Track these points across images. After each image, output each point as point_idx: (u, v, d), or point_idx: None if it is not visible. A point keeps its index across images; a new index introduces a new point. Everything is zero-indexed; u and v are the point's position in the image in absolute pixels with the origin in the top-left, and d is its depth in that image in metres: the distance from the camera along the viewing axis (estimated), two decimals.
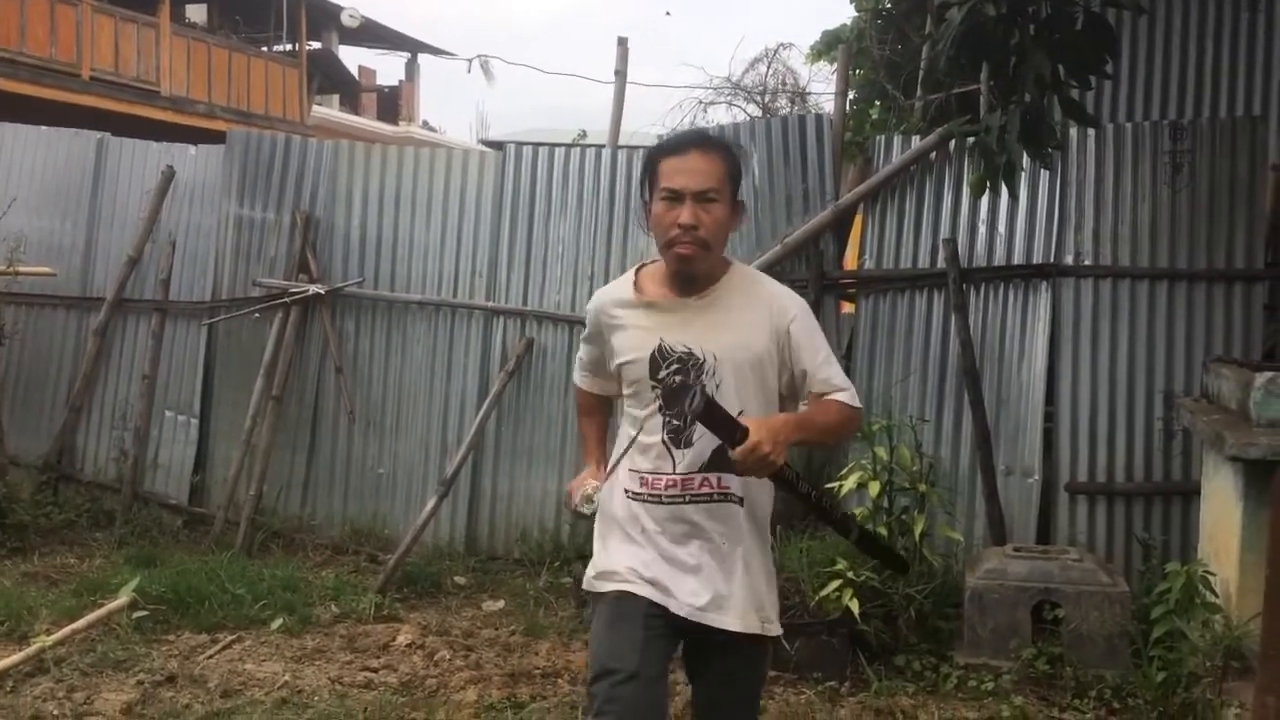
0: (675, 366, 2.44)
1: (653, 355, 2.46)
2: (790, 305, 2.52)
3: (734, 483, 2.45)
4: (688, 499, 2.45)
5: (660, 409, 2.46)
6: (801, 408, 2.55)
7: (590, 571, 2.58)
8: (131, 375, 6.68)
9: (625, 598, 2.44)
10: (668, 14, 18.38)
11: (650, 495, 2.47)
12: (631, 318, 2.51)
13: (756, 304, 2.49)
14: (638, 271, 2.59)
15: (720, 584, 2.46)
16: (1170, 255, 5.27)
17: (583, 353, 2.75)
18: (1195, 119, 5.78)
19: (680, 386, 2.41)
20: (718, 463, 2.41)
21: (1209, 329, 5.21)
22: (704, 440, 2.40)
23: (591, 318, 2.64)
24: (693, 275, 2.46)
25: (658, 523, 2.47)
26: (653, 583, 2.44)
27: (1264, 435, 3.83)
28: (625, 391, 2.57)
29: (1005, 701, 4.08)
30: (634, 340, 2.51)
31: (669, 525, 2.46)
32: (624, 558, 2.48)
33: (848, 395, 2.51)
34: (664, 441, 2.45)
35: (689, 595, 2.44)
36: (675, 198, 2.40)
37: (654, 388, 2.46)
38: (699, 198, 2.39)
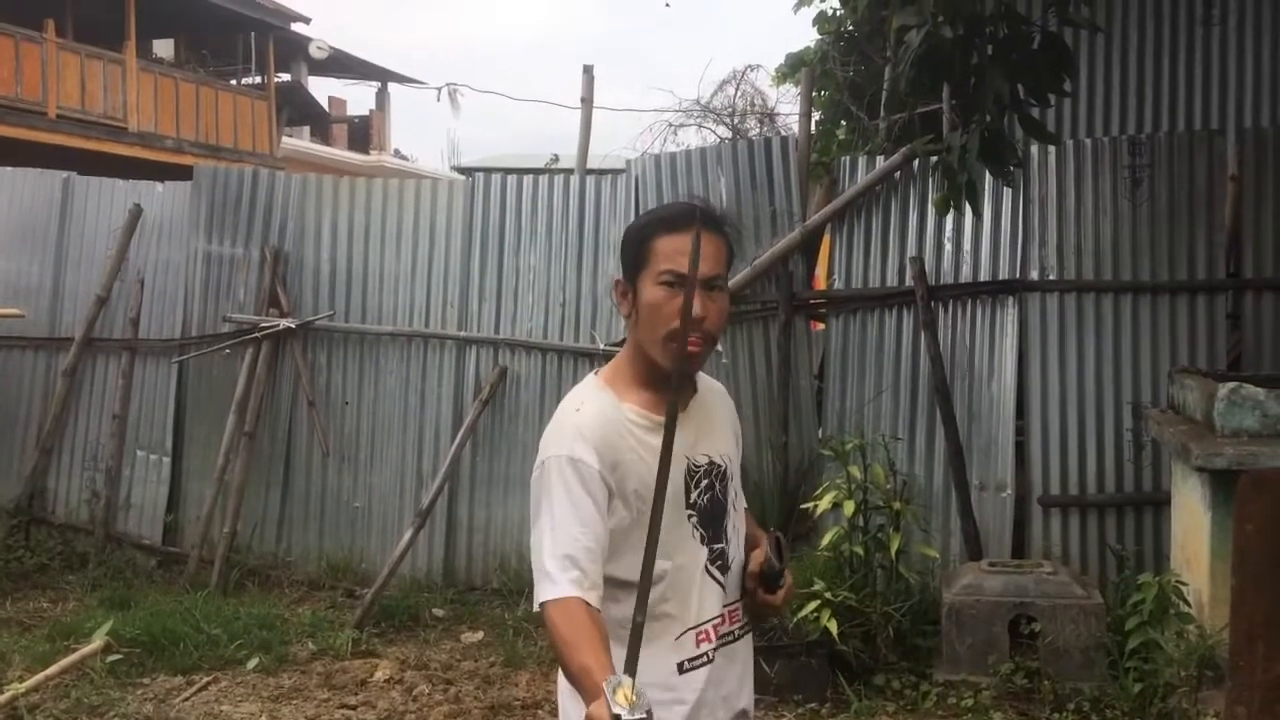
0: (705, 483, 2.02)
1: (685, 475, 2.00)
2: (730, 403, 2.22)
3: (746, 602, 2.09)
4: (736, 634, 2.05)
5: (702, 539, 2.01)
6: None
7: None
8: (102, 415, 6.63)
9: None
10: (667, 4, 18.69)
11: (715, 650, 1.99)
12: (647, 441, 1.93)
13: (720, 403, 2.17)
14: (608, 384, 2.02)
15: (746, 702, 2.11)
16: (1133, 268, 5.34)
17: (571, 537, 1.84)
18: (1154, 134, 5.87)
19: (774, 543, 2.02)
20: (740, 582, 2.07)
21: (1173, 340, 5.28)
22: (736, 559, 2.06)
23: (606, 459, 1.90)
24: (689, 377, 2.03)
25: (713, 682, 1.99)
26: None
27: (1228, 445, 3.87)
28: (621, 556, 1.91)
29: (985, 717, 4.10)
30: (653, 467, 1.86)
31: (726, 672, 2.01)
32: None
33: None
34: (709, 574, 2.01)
35: None
36: (681, 283, 1.90)
37: (689, 515, 1.99)
38: (707, 285, 1.94)
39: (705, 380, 2.14)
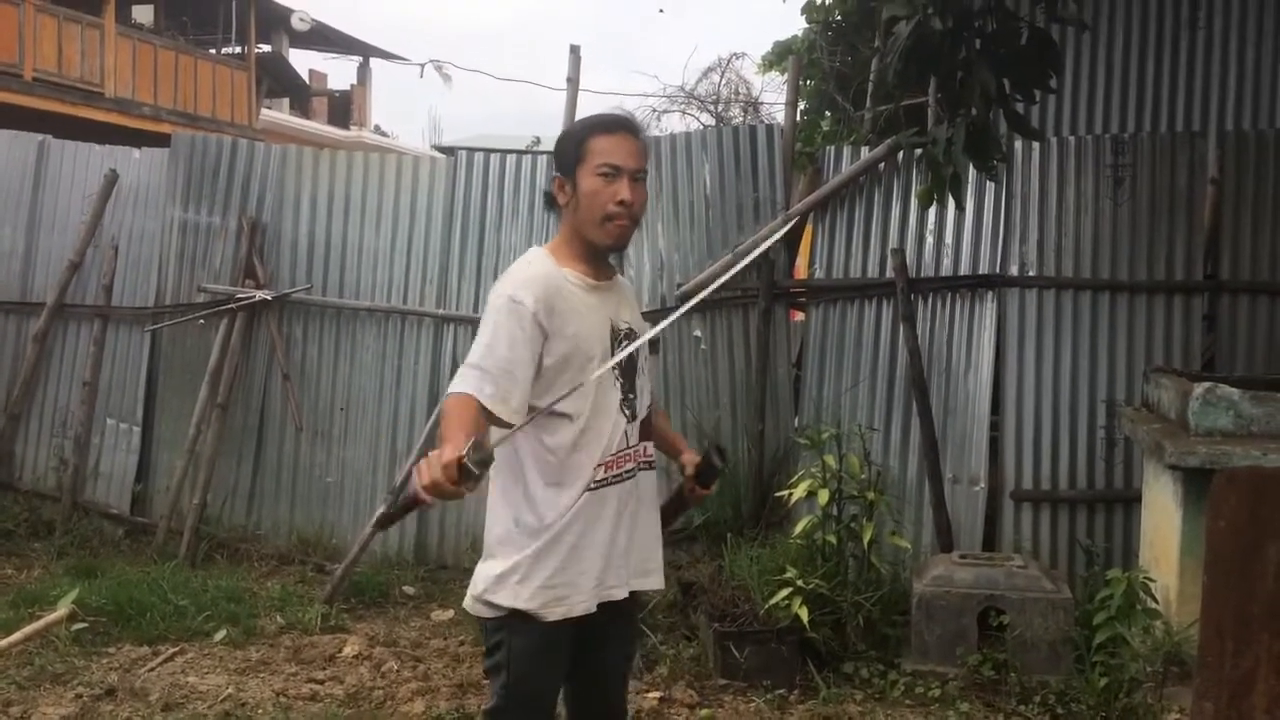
0: (624, 344, 2.45)
1: (611, 334, 2.45)
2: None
3: (652, 448, 2.57)
4: (639, 469, 2.49)
5: (620, 387, 2.45)
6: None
7: (528, 592, 2.37)
8: (72, 382, 6.55)
9: (561, 623, 2.40)
10: (661, 11, 18.76)
11: (614, 477, 2.43)
12: (582, 298, 2.42)
13: (628, 287, 2.68)
14: (550, 254, 2.48)
15: (652, 547, 2.55)
16: (1112, 267, 5.37)
17: (508, 361, 2.31)
18: (1137, 133, 5.90)
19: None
20: (647, 430, 2.53)
21: (1149, 339, 5.32)
22: (642, 409, 2.51)
23: (542, 304, 2.33)
24: (619, 251, 2.53)
25: (618, 501, 2.44)
26: (603, 582, 2.43)
27: (1201, 444, 3.91)
28: (554, 388, 2.36)
29: (951, 708, 4.12)
30: (592, 321, 2.43)
31: (625, 502, 2.46)
32: (585, 568, 2.40)
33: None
34: (624, 416, 2.45)
35: (632, 569, 2.49)
36: (614, 174, 2.39)
37: (614, 367, 2.43)
38: (634, 176, 2.42)
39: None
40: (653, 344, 2.66)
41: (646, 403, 2.54)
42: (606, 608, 2.46)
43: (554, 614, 2.37)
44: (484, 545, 2.49)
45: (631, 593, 2.52)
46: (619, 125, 2.46)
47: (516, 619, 2.38)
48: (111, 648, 4.70)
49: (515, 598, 2.37)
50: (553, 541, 2.38)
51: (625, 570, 2.47)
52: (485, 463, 2.05)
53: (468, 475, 2.01)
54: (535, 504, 2.39)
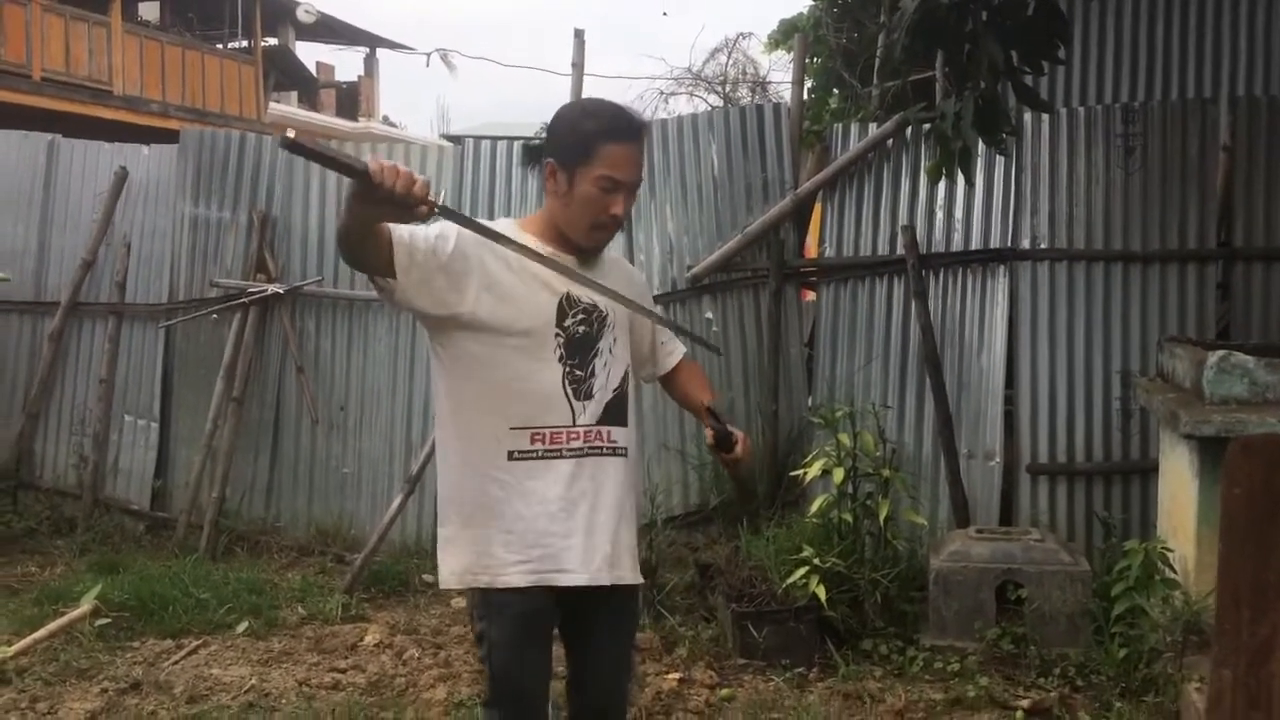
0: (581, 317, 2.38)
1: (560, 303, 2.37)
2: (639, 273, 2.65)
3: (620, 436, 2.43)
4: (586, 452, 2.38)
5: (561, 358, 2.36)
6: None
7: (463, 563, 2.39)
8: (89, 380, 6.60)
9: (533, 609, 2.36)
10: (664, 14, 18.72)
11: (547, 451, 2.34)
12: (524, 263, 2.32)
13: (619, 272, 2.59)
14: (522, 227, 2.44)
15: (623, 536, 2.43)
16: (1124, 237, 5.34)
17: (426, 239, 2.28)
18: (1147, 102, 5.84)
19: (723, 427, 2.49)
20: (613, 416, 2.43)
21: (1163, 309, 5.29)
22: (603, 392, 2.41)
23: (469, 237, 2.29)
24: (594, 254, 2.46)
25: (558, 481, 2.35)
26: (546, 558, 2.35)
27: (1217, 413, 3.89)
28: (482, 343, 2.33)
29: (971, 682, 4.12)
30: (530, 286, 2.35)
31: (572, 483, 2.36)
32: (517, 538, 2.34)
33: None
34: (565, 393, 2.36)
35: (590, 557, 2.37)
36: (615, 188, 2.33)
37: (557, 334, 2.36)
38: (633, 188, 2.38)
39: (614, 258, 2.61)
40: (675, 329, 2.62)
41: (613, 386, 2.43)
42: (589, 598, 2.40)
43: (480, 581, 2.36)
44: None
45: (616, 586, 2.42)
46: (632, 133, 2.37)
47: (488, 606, 2.37)
48: (135, 642, 4.75)
49: (448, 570, 2.42)
50: (475, 507, 2.37)
51: (587, 557, 2.36)
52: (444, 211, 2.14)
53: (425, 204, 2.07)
54: (457, 465, 2.40)
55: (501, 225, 2.37)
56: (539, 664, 2.41)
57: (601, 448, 2.40)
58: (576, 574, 2.37)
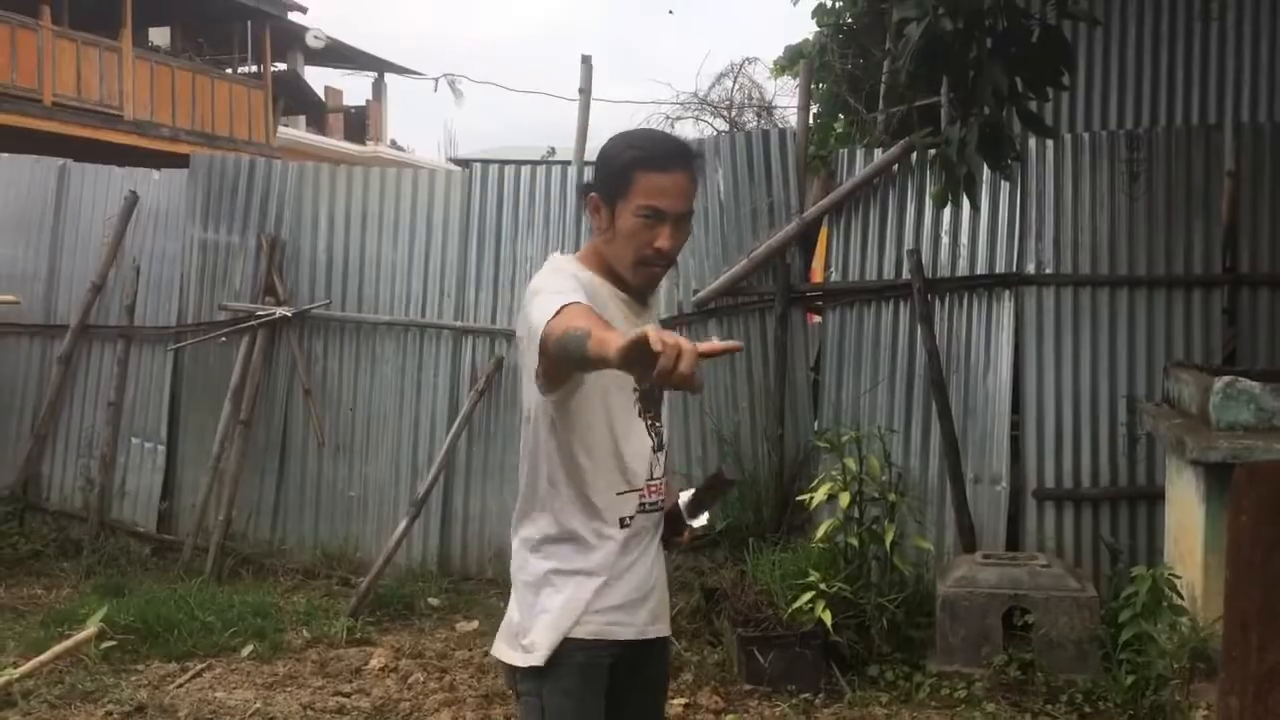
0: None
1: None
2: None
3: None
4: (649, 508, 2.28)
5: (641, 412, 2.12)
6: None
7: (556, 632, 2.18)
8: (97, 402, 6.62)
9: (595, 661, 2.21)
10: (670, 12, 18.62)
11: (650, 505, 2.26)
12: (615, 309, 2.19)
13: (656, 314, 2.47)
14: (579, 262, 2.27)
15: (663, 591, 2.34)
16: (1130, 262, 5.35)
17: (572, 288, 2.07)
18: (1151, 128, 5.87)
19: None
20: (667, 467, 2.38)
21: (1169, 334, 5.29)
22: (665, 437, 2.27)
23: (582, 284, 2.14)
24: (648, 292, 2.30)
25: (648, 535, 2.27)
26: (636, 618, 2.25)
27: (1223, 439, 3.88)
28: (575, 401, 2.16)
29: (978, 708, 4.11)
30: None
31: (654, 536, 2.29)
32: (614, 598, 2.21)
33: None
34: (652, 447, 2.23)
35: (646, 612, 2.27)
36: (657, 218, 2.15)
37: (634, 389, 2.14)
38: (679, 220, 2.18)
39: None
40: None
41: (667, 434, 2.31)
42: (639, 651, 2.27)
43: (601, 636, 2.20)
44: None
45: (662, 642, 2.33)
46: (671, 160, 2.17)
47: (549, 666, 2.18)
48: (140, 665, 4.75)
49: (555, 630, 2.19)
50: (595, 570, 2.21)
51: (660, 608, 2.29)
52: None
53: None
54: (567, 526, 2.22)
55: (561, 263, 2.25)
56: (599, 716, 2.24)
57: (657, 503, 2.31)
58: (655, 626, 2.29)
